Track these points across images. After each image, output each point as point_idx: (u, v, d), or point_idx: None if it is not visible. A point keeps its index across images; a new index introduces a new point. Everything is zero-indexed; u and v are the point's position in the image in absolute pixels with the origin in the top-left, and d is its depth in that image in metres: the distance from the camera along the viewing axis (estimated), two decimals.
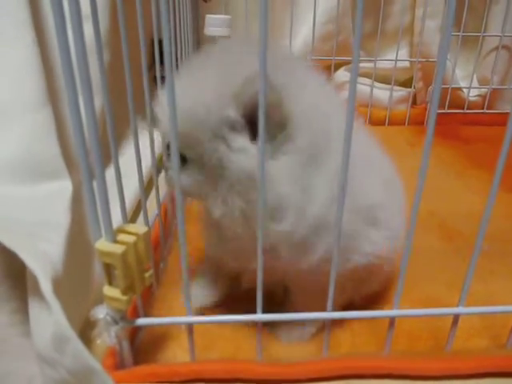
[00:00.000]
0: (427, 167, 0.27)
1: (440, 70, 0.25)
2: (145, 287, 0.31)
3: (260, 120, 0.25)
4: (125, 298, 0.29)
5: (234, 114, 0.29)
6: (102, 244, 0.28)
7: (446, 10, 0.24)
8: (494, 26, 0.95)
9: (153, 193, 0.45)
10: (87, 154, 0.26)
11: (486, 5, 0.92)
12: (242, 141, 0.29)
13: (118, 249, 0.27)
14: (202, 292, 0.42)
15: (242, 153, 0.29)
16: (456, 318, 0.33)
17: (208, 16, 0.59)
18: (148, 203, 0.44)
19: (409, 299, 0.43)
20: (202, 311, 0.40)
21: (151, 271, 0.31)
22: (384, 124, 0.97)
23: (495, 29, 0.94)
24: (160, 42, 0.37)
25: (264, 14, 0.23)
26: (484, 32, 0.94)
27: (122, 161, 0.36)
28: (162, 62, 0.43)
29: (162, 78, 0.46)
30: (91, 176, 0.26)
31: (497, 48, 0.95)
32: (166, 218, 0.52)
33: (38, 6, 0.43)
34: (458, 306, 0.32)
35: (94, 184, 0.26)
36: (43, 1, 0.44)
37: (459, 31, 0.92)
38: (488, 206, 0.29)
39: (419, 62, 0.94)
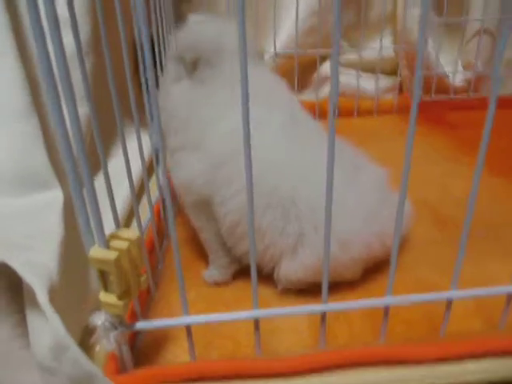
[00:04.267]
0: (411, 154, 0.28)
1: (420, 57, 0.26)
2: (141, 291, 0.31)
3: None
4: (121, 303, 0.29)
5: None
6: (96, 251, 0.28)
7: None
8: (475, 10, 0.95)
9: (145, 196, 0.46)
10: (75, 163, 0.26)
11: None
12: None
13: (112, 255, 0.28)
14: (215, 272, 0.46)
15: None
16: (449, 302, 0.34)
17: (191, 15, 0.58)
18: (141, 207, 0.44)
19: (404, 287, 0.44)
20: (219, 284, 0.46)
21: (146, 275, 0.32)
22: (372, 114, 0.97)
23: (477, 14, 0.95)
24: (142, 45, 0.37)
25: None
26: (466, 17, 0.95)
27: (111, 166, 0.36)
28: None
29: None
30: (81, 184, 0.26)
31: (479, 32, 0.95)
32: (160, 220, 0.52)
33: (21, 19, 0.43)
34: (450, 289, 0.33)
35: (84, 192, 0.27)
36: (26, 13, 0.44)
37: (441, 17, 0.93)
38: (473, 190, 0.30)
39: (403, 50, 0.95)
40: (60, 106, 0.24)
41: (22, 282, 0.30)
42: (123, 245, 0.29)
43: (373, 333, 0.39)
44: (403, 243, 0.50)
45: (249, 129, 0.27)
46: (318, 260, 0.40)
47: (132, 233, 0.30)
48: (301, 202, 0.40)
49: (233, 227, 0.41)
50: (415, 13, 0.92)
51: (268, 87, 0.45)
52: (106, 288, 0.29)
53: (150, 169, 0.55)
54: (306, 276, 0.41)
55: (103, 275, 0.29)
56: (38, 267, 0.29)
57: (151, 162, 0.58)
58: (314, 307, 0.32)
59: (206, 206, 0.42)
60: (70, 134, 0.25)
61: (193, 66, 0.43)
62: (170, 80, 0.46)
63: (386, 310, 0.33)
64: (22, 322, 0.34)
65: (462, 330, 0.38)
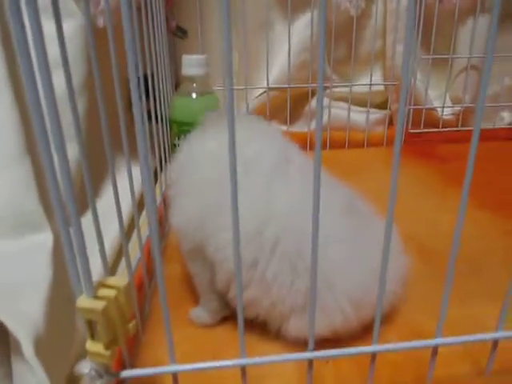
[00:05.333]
0: (396, 188, 0.28)
1: (404, 91, 0.27)
2: (128, 338, 0.31)
3: None
4: (108, 352, 0.29)
5: None
6: (83, 301, 0.28)
7: (405, 35, 0.25)
8: (462, 47, 0.99)
9: (135, 233, 0.46)
10: (63, 207, 0.26)
11: (453, 28, 0.96)
12: None
13: (99, 305, 0.28)
14: (203, 314, 0.45)
15: None
16: (435, 349, 0.34)
17: (184, 56, 0.60)
18: (130, 245, 0.44)
19: (392, 329, 0.44)
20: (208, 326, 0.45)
21: (134, 321, 0.32)
22: (363, 146, 0.99)
23: (463, 50, 0.98)
24: (138, 79, 0.38)
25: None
26: (453, 54, 0.98)
27: (101, 203, 0.37)
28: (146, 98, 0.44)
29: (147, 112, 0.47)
30: (69, 231, 0.27)
31: (466, 68, 0.98)
32: (149, 259, 0.52)
33: (15, 60, 0.44)
34: (435, 336, 0.33)
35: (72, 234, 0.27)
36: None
37: (429, 53, 0.96)
38: (457, 230, 0.30)
39: (393, 84, 0.97)
40: (49, 147, 0.24)
41: (7, 332, 0.30)
42: (111, 293, 0.29)
43: (360, 376, 0.39)
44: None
45: (235, 175, 0.28)
46: (331, 324, 0.39)
47: (120, 280, 0.30)
48: (307, 256, 0.36)
49: (230, 276, 0.40)
50: (403, 49, 0.95)
51: (259, 129, 0.46)
52: (93, 337, 0.29)
53: (140, 205, 0.56)
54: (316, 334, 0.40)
55: (90, 324, 0.29)
56: (24, 317, 0.29)
57: (141, 198, 0.59)
58: (301, 355, 0.32)
59: (200, 252, 0.41)
60: (59, 176, 0.25)
61: None
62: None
63: (373, 357, 0.33)
64: (5, 362, 0.34)
65: (450, 374, 0.39)
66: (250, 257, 0.38)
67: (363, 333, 0.41)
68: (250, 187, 0.40)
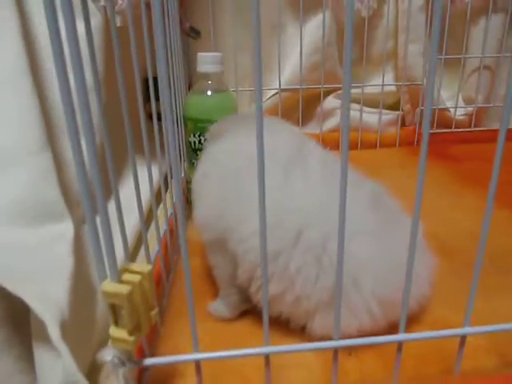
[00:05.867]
0: (422, 190, 0.28)
1: (429, 94, 0.26)
2: (151, 326, 0.31)
3: None
4: (132, 338, 0.29)
5: None
6: (108, 285, 0.28)
7: (432, 35, 0.25)
8: (474, 47, 0.98)
9: (152, 226, 0.46)
10: (90, 194, 0.26)
11: (465, 28, 0.95)
12: None
13: (124, 289, 0.27)
14: (222, 307, 0.45)
15: None
16: (463, 338, 0.33)
17: (200, 54, 0.60)
18: (148, 237, 0.44)
19: (415, 322, 0.43)
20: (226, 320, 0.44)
21: (157, 309, 0.31)
22: (375, 147, 0.99)
23: (476, 50, 0.98)
24: (153, 79, 0.38)
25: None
26: (465, 53, 0.98)
27: (120, 196, 0.36)
28: (157, 99, 0.44)
29: (158, 114, 0.47)
30: (95, 217, 0.27)
31: (478, 68, 0.98)
32: (167, 253, 0.52)
33: (36, 52, 0.45)
34: (463, 326, 0.33)
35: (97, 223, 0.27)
36: (40, 47, 0.46)
37: (441, 54, 0.95)
38: (484, 227, 0.30)
39: (405, 85, 0.97)
40: (79, 137, 0.25)
41: (25, 313, 0.29)
42: (135, 278, 0.29)
43: (384, 369, 0.38)
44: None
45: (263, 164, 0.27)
46: (358, 323, 0.38)
47: (144, 266, 0.30)
48: (333, 250, 0.35)
49: (253, 268, 0.39)
50: (415, 50, 0.95)
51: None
52: (117, 323, 0.29)
53: (157, 198, 0.56)
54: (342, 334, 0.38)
55: (114, 309, 0.28)
56: (49, 301, 0.29)
57: (159, 192, 0.59)
58: (327, 343, 0.32)
59: (222, 244, 0.41)
60: (86, 161, 0.25)
61: None
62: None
63: (400, 347, 0.32)
64: (24, 356, 0.33)
65: (475, 366, 0.38)
66: (271, 248, 0.38)
67: (390, 330, 0.40)
68: (267, 178, 0.39)
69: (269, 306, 0.40)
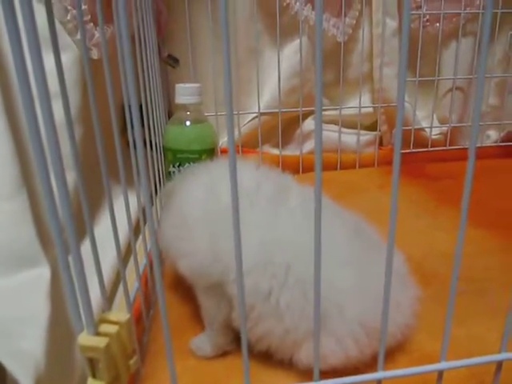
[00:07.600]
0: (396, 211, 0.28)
1: (400, 115, 0.27)
2: (130, 375, 0.31)
3: None
4: None
5: None
6: (85, 338, 0.27)
7: (400, 58, 0.26)
8: (447, 69, 1.01)
9: (130, 263, 0.45)
10: (62, 234, 0.25)
11: (437, 51, 0.98)
12: None
13: (101, 342, 0.27)
14: (206, 345, 0.44)
15: None
16: (440, 373, 0.34)
17: (178, 85, 0.61)
18: (127, 271, 0.43)
19: (399, 351, 0.43)
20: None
21: (136, 357, 0.31)
22: (354, 167, 1.00)
23: (448, 72, 1.01)
24: (130, 107, 0.38)
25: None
26: (438, 75, 1.01)
27: (96, 233, 0.36)
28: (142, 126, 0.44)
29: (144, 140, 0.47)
30: (70, 271, 0.26)
31: (451, 89, 1.01)
32: (147, 289, 0.52)
33: (8, 92, 0.44)
34: (440, 361, 0.33)
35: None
36: (14, 83, 0.46)
37: (415, 76, 0.98)
38: (458, 249, 0.30)
39: (382, 106, 0.99)
40: (48, 174, 0.24)
41: (4, 369, 0.29)
42: (113, 329, 0.28)
43: None
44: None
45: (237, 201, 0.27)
46: (344, 350, 0.38)
47: (121, 315, 0.29)
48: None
49: (248, 309, 0.39)
50: (390, 72, 0.97)
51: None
52: (95, 375, 0.28)
53: (136, 232, 0.55)
54: (326, 364, 0.38)
55: (92, 362, 0.28)
56: (23, 356, 0.28)
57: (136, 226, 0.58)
58: None
59: (219, 288, 0.40)
60: (57, 201, 0.24)
61: None
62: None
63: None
64: None
65: None
66: (264, 287, 0.38)
67: (374, 360, 0.40)
68: (256, 217, 0.40)
69: (258, 341, 0.40)
